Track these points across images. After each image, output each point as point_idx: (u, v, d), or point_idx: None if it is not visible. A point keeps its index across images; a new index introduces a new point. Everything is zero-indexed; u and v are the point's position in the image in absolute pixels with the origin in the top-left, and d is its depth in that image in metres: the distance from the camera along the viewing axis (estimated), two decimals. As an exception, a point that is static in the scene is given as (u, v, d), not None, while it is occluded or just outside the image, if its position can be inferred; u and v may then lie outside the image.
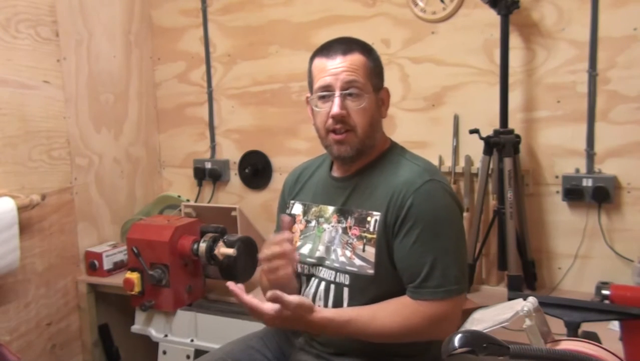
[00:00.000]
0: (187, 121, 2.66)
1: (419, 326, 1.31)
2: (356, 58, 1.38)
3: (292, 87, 2.41)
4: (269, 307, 1.28)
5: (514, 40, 1.99)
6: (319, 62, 1.42)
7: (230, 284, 1.32)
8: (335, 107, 1.36)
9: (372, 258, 1.37)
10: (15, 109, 2.05)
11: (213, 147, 2.61)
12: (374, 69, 1.42)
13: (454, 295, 1.33)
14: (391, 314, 1.32)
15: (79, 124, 2.31)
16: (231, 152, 2.59)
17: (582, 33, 1.92)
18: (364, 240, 1.38)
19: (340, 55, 1.38)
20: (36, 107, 2.13)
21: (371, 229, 1.38)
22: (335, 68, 1.37)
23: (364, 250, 1.38)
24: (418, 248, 1.33)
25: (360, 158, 1.43)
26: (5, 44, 2.01)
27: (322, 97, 1.39)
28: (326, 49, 1.42)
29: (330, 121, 1.38)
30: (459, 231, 1.40)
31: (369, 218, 1.39)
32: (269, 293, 1.27)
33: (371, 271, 1.37)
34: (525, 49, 2.00)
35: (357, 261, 1.38)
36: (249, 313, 1.34)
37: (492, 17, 1.94)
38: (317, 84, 1.40)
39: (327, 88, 1.38)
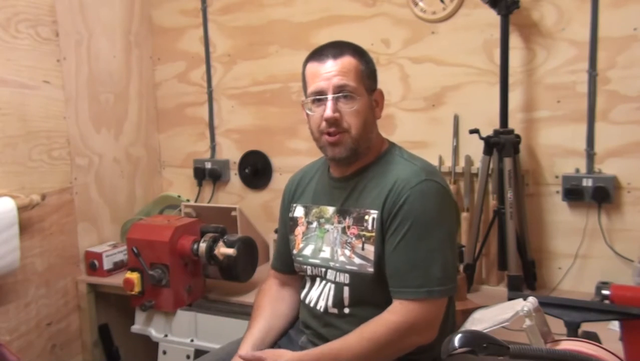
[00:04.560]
0: (187, 121, 2.66)
1: (391, 334, 1.31)
2: (347, 61, 1.39)
3: (292, 87, 2.41)
4: None
5: (514, 40, 1.99)
6: (311, 67, 1.43)
7: None
8: (328, 111, 1.37)
9: (371, 256, 1.38)
10: (16, 109, 2.05)
11: (213, 147, 2.62)
12: (366, 71, 1.42)
13: (435, 296, 1.32)
14: (358, 334, 1.33)
15: (79, 124, 2.31)
16: (231, 152, 2.59)
17: (582, 33, 1.92)
18: (363, 239, 1.39)
19: (331, 59, 1.39)
20: (36, 107, 2.13)
21: (369, 227, 1.39)
22: (328, 72, 1.38)
23: (363, 248, 1.39)
24: (403, 247, 1.34)
25: (356, 159, 1.43)
26: (5, 44, 2.01)
27: (315, 101, 1.41)
28: (317, 54, 1.43)
29: (323, 123, 1.39)
30: (447, 233, 1.38)
31: (366, 217, 1.40)
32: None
33: (371, 269, 1.38)
34: (525, 49, 2.00)
35: (357, 260, 1.39)
36: None
37: (492, 17, 1.94)
38: (310, 89, 1.42)
39: (320, 92, 1.39)
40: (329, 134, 1.39)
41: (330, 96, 1.38)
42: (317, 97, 1.40)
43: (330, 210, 1.48)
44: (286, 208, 1.61)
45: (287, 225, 1.59)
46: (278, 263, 1.64)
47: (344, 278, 1.41)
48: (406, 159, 1.44)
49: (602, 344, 1.08)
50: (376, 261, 1.37)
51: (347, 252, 1.41)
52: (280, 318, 1.57)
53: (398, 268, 1.34)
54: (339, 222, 1.45)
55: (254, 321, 1.55)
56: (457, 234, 1.47)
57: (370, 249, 1.38)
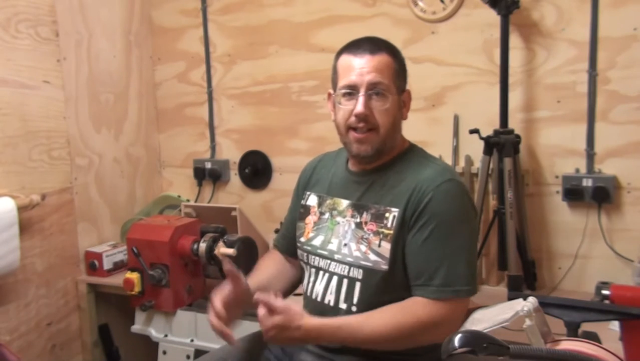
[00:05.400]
0: (187, 121, 2.66)
1: (416, 327, 1.30)
2: (383, 59, 1.39)
3: (292, 87, 2.41)
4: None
5: (514, 40, 1.99)
6: (345, 59, 1.41)
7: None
8: (360, 106, 1.36)
9: (387, 254, 1.37)
10: (15, 109, 2.05)
11: (213, 147, 2.62)
12: (399, 71, 1.42)
13: (461, 296, 1.32)
14: (384, 317, 1.31)
15: (79, 124, 2.31)
16: (231, 152, 2.59)
17: (582, 33, 1.92)
18: (381, 235, 1.38)
19: (367, 55, 1.38)
20: (36, 107, 2.13)
21: (389, 225, 1.38)
22: (362, 67, 1.37)
23: (379, 245, 1.38)
24: (429, 245, 1.33)
25: (379, 157, 1.43)
26: (5, 44, 2.01)
27: (346, 95, 1.40)
28: (354, 47, 1.41)
29: (353, 118, 1.38)
30: (472, 233, 1.40)
31: (387, 214, 1.39)
32: (255, 296, 1.27)
33: (385, 267, 1.37)
34: (525, 49, 2.00)
35: (372, 256, 1.38)
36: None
37: (492, 17, 1.94)
38: (342, 81, 1.40)
39: (353, 87, 1.38)
40: (357, 130, 1.39)
41: (362, 92, 1.36)
42: (349, 90, 1.38)
43: (344, 203, 1.47)
44: (299, 194, 1.61)
45: (298, 211, 1.59)
46: (283, 244, 1.65)
47: (357, 273, 1.40)
48: (428, 159, 1.45)
49: (602, 344, 1.08)
50: (391, 259, 1.36)
51: (363, 248, 1.40)
52: (285, 280, 1.59)
53: (424, 266, 1.33)
54: (353, 216, 1.44)
55: (258, 271, 1.58)
56: (477, 235, 1.47)
57: (386, 247, 1.37)
